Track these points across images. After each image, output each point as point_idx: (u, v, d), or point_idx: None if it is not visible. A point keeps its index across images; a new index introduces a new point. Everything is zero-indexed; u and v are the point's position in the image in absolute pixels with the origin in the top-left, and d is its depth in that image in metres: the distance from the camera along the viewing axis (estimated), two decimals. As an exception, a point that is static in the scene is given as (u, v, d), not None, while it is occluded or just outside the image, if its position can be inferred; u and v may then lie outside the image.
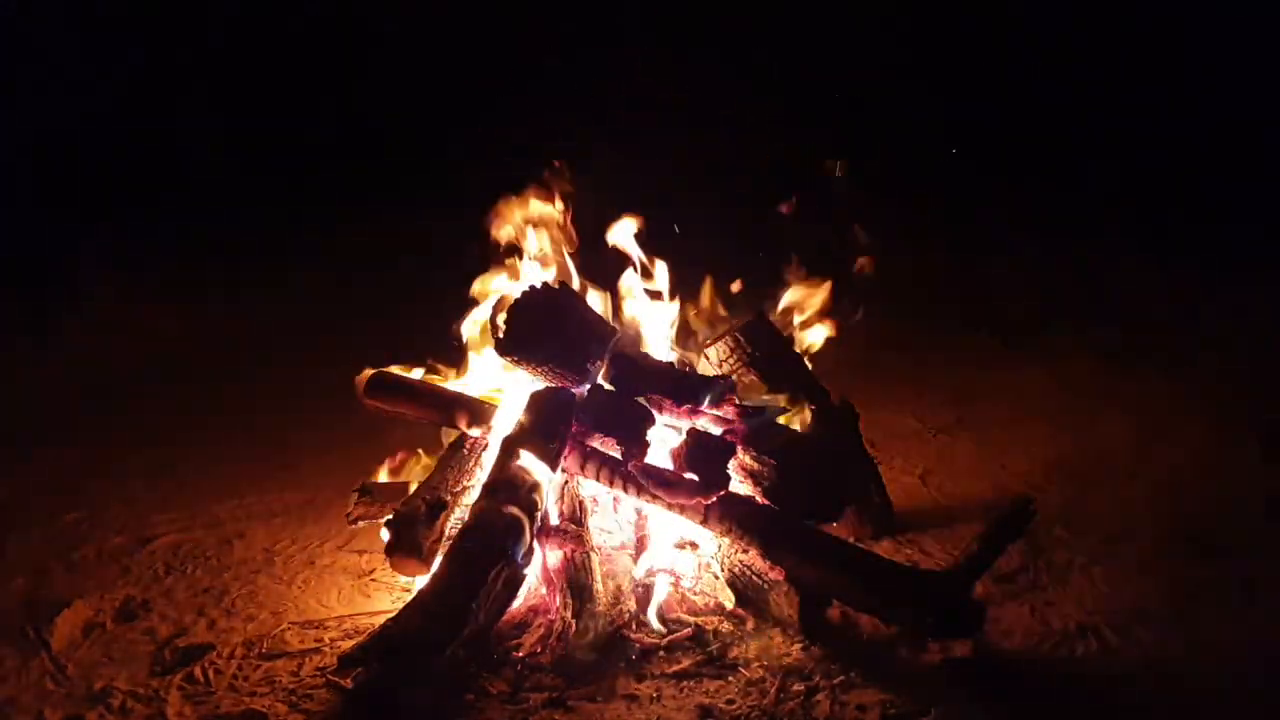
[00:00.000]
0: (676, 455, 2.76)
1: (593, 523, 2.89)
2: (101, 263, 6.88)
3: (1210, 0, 8.52)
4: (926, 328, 5.78)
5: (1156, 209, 7.33)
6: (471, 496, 2.93)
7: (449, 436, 3.17)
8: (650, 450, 2.82)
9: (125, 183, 8.00)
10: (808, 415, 2.99)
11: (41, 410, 4.92)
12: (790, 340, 3.43)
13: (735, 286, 3.43)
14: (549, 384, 2.98)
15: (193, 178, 8.17)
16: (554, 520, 2.79)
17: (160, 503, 3.78)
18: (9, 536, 3.51)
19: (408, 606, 2.51)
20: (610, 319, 3.18)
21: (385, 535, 2.83)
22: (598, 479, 2.87)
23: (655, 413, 2.89)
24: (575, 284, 3.26)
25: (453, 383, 3.32)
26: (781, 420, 2.99)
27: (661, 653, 2.58)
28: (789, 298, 3.46)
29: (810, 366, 3.42)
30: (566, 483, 2.88)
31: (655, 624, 2.67)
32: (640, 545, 2.89)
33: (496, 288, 3.34)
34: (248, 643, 2.74)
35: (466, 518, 2.71)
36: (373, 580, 3.12)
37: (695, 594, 2.85)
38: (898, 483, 3.61)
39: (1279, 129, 7.92)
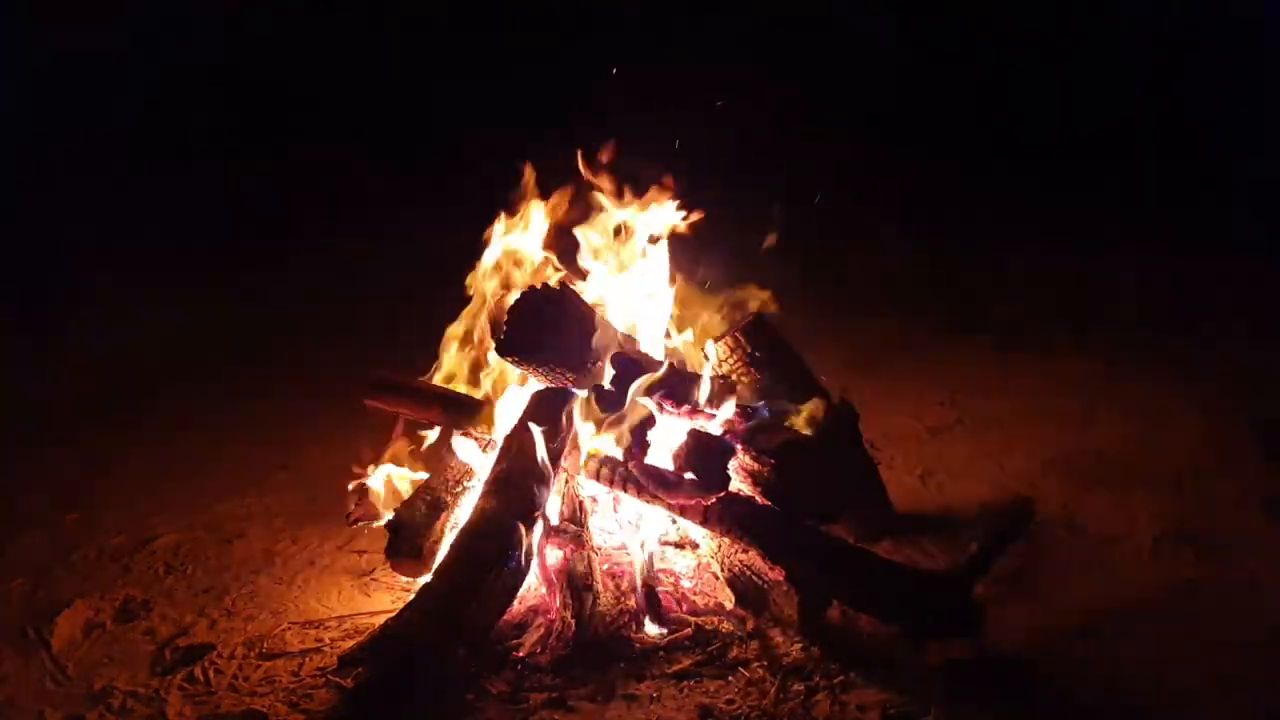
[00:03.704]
0: (677, 455, 2.76)
1: (593, 523, 2.89)
2: (101, 262, 6.88)
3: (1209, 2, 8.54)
4: (926, 328, 5.77)
5: (1155, 208, 7.34)
6: (471, 496, 2.94)
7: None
8: (650, 450, 2.83)
9: (126, 181, 8.01)
10: (818, 410, 2.98)
11: (41, 410, 4.91)
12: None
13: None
14: (549, 384, 2.98)
15: (194, 177, 8.18)
16: (554, 520, 2.79)
17: (160, 503, 3.77)
18: (9, 536, 3.51)
19: (408, 606, 2.51)
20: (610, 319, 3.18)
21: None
22: (598, 479, 2.87)
23: (655, 413, 2.89)
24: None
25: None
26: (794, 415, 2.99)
27: (661, 653, 2.58)
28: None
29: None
30: (567, 483, 2.88)
31: (655, 625, 2.66)
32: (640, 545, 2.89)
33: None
34: (248, 643, 2.74)
35: (466, 518, 2.71)
36: (373, 580, 3.12)
37: (695, 594, 2.86)
38: (898, 483, 3.60)
39: (1278, 128, 7.94)
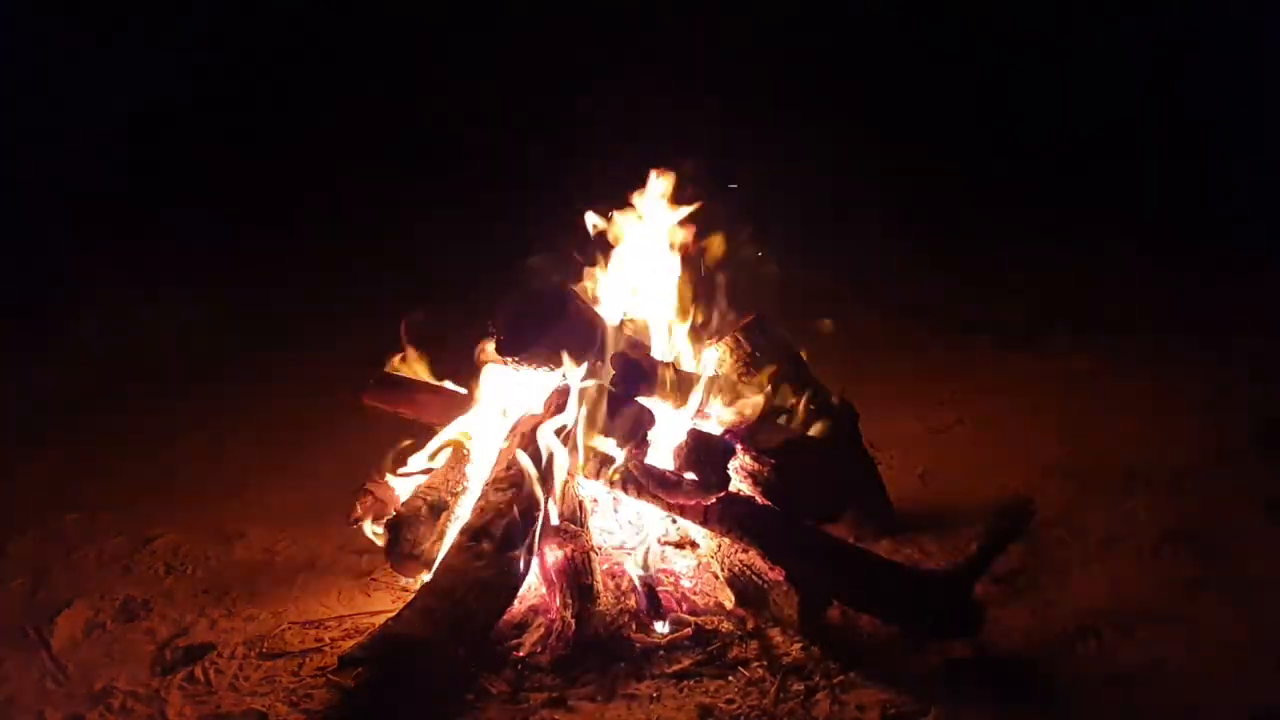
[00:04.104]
0: (677, 455, 2.76)
1: (593, 523, 2.89)
2: (101, 262, 6.87)
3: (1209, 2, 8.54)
4: (926, 328, 5.77)
5: (1156, 209, 7.34)
6: (471, 496, 2.94)
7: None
8: (650, 450, 2.83)
9: (124, 180, 8.01)
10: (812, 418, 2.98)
11: (42, 410, 4.91)
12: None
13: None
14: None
15: (192, 175, 8.18)
16: (554, 520, 2.79)
17: (160, 503, 3.78)
18: (9, 536, 3.51)
19: (407, 606, 2.51)
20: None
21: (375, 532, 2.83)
22: (598, 479, 2.87)
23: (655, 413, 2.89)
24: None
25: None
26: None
27: (661, 653, 2.58)
28: None
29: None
30: (567, 483, 2.88)
31: (655, 624, 2.66)
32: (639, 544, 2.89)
33: None
34: (248, 643, 2.74)
35: (467, 517, 2.71)
36: (373, 580, 3.12)
37: (695, 594, 2.86)
38: (898, 483, 3.60)
39: (1277, 128, 7.94)
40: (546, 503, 2.72)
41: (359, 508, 3.19)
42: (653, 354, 3.17)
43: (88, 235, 7.13)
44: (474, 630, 2.49)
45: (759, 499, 2.78)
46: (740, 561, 2.79)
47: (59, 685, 2.60)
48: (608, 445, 2.84)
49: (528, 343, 2.90)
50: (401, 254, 7.35)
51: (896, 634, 2.62)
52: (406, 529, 2.92)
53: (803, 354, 3.38)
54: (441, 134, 8.77)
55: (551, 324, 2.90)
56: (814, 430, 2.99)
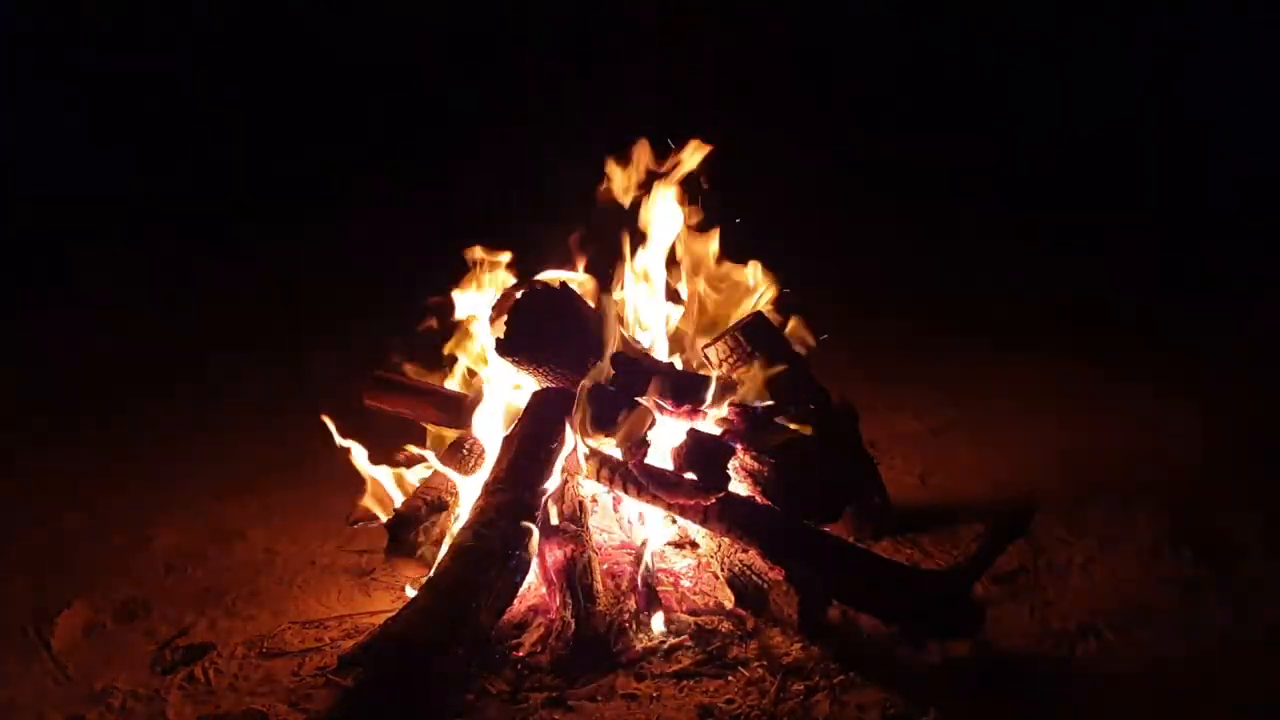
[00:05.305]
0: (677, 455, 2.76)
1: (593, 523, 2.89)
2: (100, 261, 6.88)
3: (1210, 4, 8.55)
4: (926, 328, 5.77)
5: (1156, 208, 7.35)
6: (471, 496, 2.94)
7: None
8: (650, 450, 2.82)
9: (122, 178, 8.02)
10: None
11: (41, 410, 4.91)
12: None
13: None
14: (549, 384, 2.98)
15: (194, 175, 8.19)
16: (554, 520, 2.79)
17: (160, 503, 3.78)
18: (9, 536, 3.51)
19: (408, 606, 2.51)
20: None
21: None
22: (598, 479, 2.87)
23: (655, 413, 2.88)
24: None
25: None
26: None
27: (661, 653, 2.58)
28: None
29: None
30: (567, 483, 2.88)
31: (655, 624, 2.67)
32: (639, 544, 2.89)
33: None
34: (248, 643, 2.74)
35: (467, 517, 2.71)
36: (373, 580, 3.12)
37: (695, 594, 2.86)
38: (898, 483, 3.60)
39: (1277, 129, 7.95)
40: (546, 503, 2.72)
41: (358, 508, 3.19)
42: (652, 354, 3.18)
43: (88, 235, 7.14)
44: (474, 630, 2.49)
45: (759, 499, 2.78)
46: (740, 561, 2.79)
47: (59, 685, 2.60)
48: (608, 445, 2.84)
49: (529, 343, 2.90)
50: (402, 251, 7.35)
51: (896, 634, 2.62)
52: (406, 529, 2.91)
53: (802, 354, 3.38)
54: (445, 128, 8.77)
55: (553, 325, 2.89)
56: (815, 431, 2.99)
